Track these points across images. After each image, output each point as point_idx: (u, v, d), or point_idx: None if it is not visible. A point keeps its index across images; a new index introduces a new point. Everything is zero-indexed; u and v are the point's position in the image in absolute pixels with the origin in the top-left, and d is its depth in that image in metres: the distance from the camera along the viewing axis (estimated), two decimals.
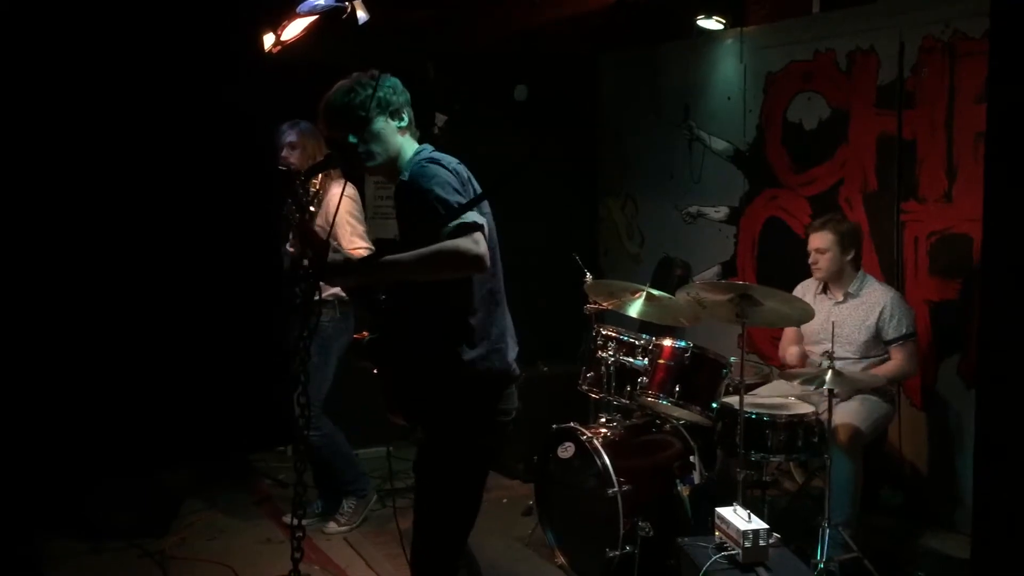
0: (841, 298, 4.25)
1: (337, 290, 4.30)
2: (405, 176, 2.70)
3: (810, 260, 4.27)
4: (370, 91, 2.68)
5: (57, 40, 4.58)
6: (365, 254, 3.73)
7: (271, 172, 4.51)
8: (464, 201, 2.55)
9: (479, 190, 2.71)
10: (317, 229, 4.19)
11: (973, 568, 2.10)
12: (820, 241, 4.22)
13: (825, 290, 4.33)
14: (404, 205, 2.77)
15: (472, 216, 2.50)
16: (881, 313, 4.13)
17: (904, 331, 4.13)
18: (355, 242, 4.24)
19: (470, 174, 2.75)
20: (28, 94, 4.58)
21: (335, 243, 2.69)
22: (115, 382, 4.95)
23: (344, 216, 4.27)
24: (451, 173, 2.64)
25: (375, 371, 2.81)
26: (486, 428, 2.78)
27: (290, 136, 4.34)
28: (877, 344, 4.16)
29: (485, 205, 2.73)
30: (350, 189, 4.36)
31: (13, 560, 4.16)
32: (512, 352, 2.81)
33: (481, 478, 2.85)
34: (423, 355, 2.72)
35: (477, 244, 2.48)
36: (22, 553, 4.22)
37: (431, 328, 2.70)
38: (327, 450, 4.52)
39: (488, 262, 2.52)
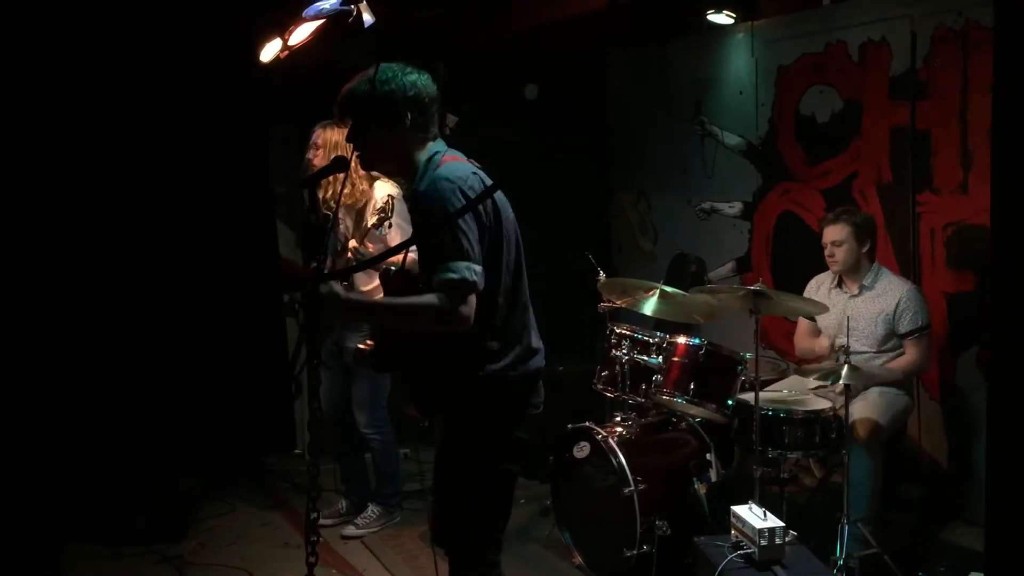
0: (856, 291, 4.22)
1: None
2: (421, 186, 2.64)
3: (826, 253, 4.24)
4: (389, 83, 2.62)
5: (50, 47, 4.58)
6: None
7: (267, 177, 4.52)
8: (473, 236, 2.52)
9: (496, 193, 2.68)
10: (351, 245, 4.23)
11: (988, 561, 2.07)
12: (836, 233, 4.18)
13: (840, 284, 4.29)
14: (414, 217, 2.75)
15: (470, 272, 2.48)
16: (897, 306, 4.10)
17: (919, 324, 4.09)
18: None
19: (484, 179, 2.69)
20: (20, 99, 4.58)
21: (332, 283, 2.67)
22: (131, 388, 4.97)
23: (394, 219, 4.26)
24: (462, 196, 2.56)
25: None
26: (513, 425, 2.76)
27: (313, 136, 4.33)
28: (893, 337, 4.13)
29: (506, 205, 2.71)
30: (395, 189, 4.33)
31: (31, 566, 4.20)
32: (537, 353, 2.80)
33: (510, 474, 2.83)
34: (447, 361, 2.68)
35: (467, 305, 2.48)
36: (40, 560, 4.26)
37: (450, 344, 2.64)
38: (380, 455, 4.57)
39: (471, 324, 2.51)
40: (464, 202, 2.54)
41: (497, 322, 2.67)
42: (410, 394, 2.84)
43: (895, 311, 4.10)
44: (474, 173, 2.67)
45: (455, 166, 2.65)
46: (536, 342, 2.81)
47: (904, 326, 4.09)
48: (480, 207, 2.58)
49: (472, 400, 2.70)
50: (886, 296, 4.14)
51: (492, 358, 2.67)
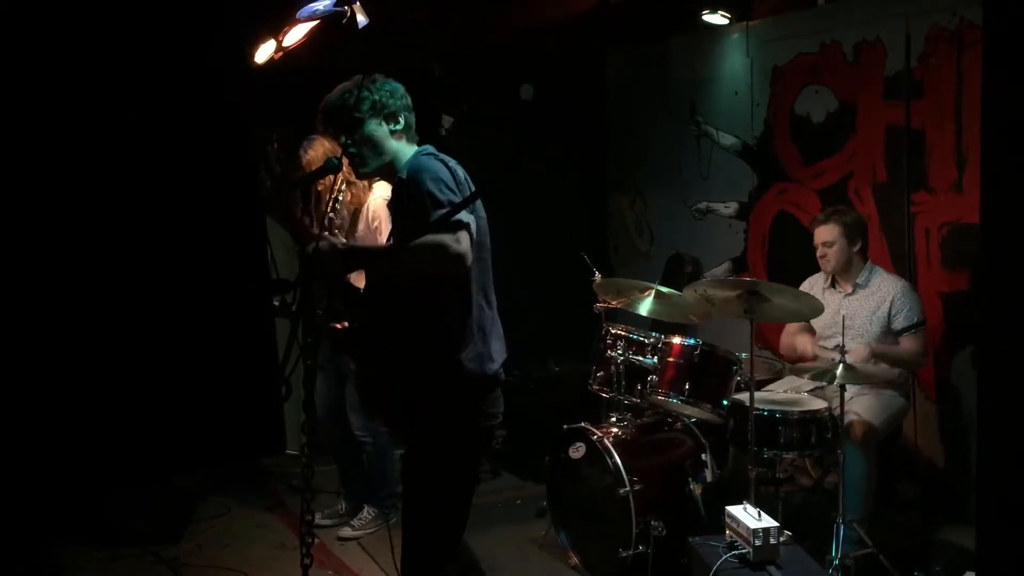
0: (850, 290, 4.22)
1: None
2: (403, 175, 2.70)
3: (818, 254, 4.24)
4: (365, 94, 2.69)
5: (43, 46, 4.56)
6: None
7: (260, 179, 4.52)
8: (456, 199, 2.56)
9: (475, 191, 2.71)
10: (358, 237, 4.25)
11: (979, 560, 2.08)
12: (827, 234, 4.19)
13: (834, 284, 4.29)
14: (399, 201, 2.77)
15: (460, 215, 2.50)
16: (892, 303, 4.10)
17: (914, 320, 4.09)
18: None
19: (468, 176, 2.74)
20: (16, 98, 4.57)
21: (326, 234, 2.70)
22: (126, 388, 4.96)
23: (385, 223, 4.27)
24: (447, 170, 2.65)
25: (352, 366, 2.82)
26: (470, 432, 2.77)
27: (302, 151, 4.34)
28: (888, 335, 4.13)
29: (479, 207, 2.73)
30: (387, 191, 4.33)
31: (29, 568, 4.19)
32: (499, 356, 2.80)
33: (468, 482, 2.86)
34: (407, 355, 2.72)
35: (459, 242, 2.48)
36: (38, 561, 4.25)
37: (416, 328, 2.70)
38: (372, 457, 4.57)
39: (469, 261, 2.53)
40: (447, 170, 2.63)
41: (460, 324, 2.68)
42: (375, 403, 2.86)
43: (890, 309, 4.10)
44: (458, 164, 2.73)
45: (439, 154, 2.76)
46: (499, 350, 2.81)
47: (899, 323, 4.09)
48: (454, 191, 2.60)
49: (434, 402, 2.72)
50: (880, 294, 4.15)
51: (453, 359, 2.67)
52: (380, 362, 2.79)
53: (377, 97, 2.72)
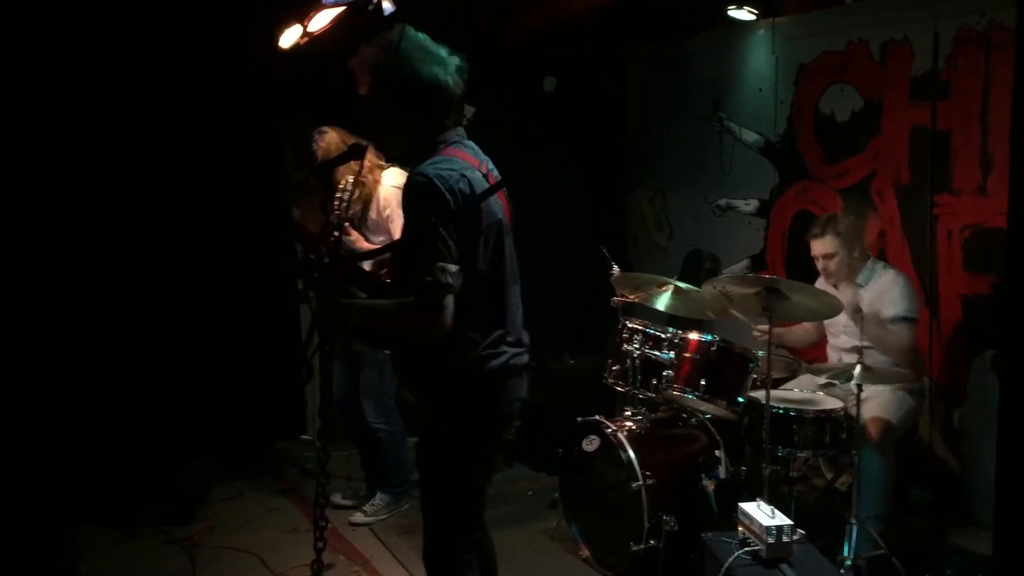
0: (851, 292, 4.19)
1: None
2: (416, 175, 2.57)
3: (819, 267, 4.21)
4: (422, 63, 2.58)
5: (64, 34, 4.58)
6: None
7: (276, 165, 4.52)
8: (446, 236, 2.47)
9: (488, 198, 2.63)
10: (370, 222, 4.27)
11: (996, 564, 2.06)
12: (825, 247, 4.15)
13: (836, 286, 4.27)
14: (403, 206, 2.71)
15: (444, 275, 2.45)
16: (884, 293, 4.09)
17: (899, 312, 4.05)
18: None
19: (475, 181, 2.60)
20: (27, 91, 4.60)
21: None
22: (141, 371, 4.99)
23: (396, 210, 4.29)
24: (440, 194, 2.50)
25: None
26: (489, 420, 2.76)
27: (314, 142, 4.36)
28: (879, 325, 4.08)
29: (495, 204, 2.68)
30: (399, 179, 4.36)
31: (46, 551, 4.22)
32: (519, 346, 2.79)
33: (484, 470, 2.85)
34: (426, 349, 2.69)
35: (442, 309, 2.48)
36: (55, 544, 4.28)
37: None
38: (387, 445, 4.60)
39: (448, 328, 2.51)
40: (443, 200, 2.49)
41: (477, 315, 2.65)
42: (404, 377, 2.86)
43: (882, 298, 4.08)
44: (463, 175, 2.57)
45: (445, 162, 2.58)
46: (519, 338, 2.80)
47: (887, 311, 4.05)
48: (456, 203, 2.51)
49: (450, 389, 2.72)
50: (879, 290, 4.13)
51: (470, 353, 2.66)
52: (399, 348, 2.80)
53: (427, 67, 2.63)
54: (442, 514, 2.80)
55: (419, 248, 2.49)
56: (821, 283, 4.34)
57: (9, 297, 4.51)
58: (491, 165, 2.77)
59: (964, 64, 4.46)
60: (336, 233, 4.05)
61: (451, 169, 2.56)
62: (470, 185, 2.57)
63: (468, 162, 2.64)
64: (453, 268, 2.48)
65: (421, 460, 2.90)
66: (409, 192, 2.58)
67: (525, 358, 2.82)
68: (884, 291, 4.12)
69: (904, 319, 4.05)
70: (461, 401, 2.72)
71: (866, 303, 4.10)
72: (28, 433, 4.50)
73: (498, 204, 2.72)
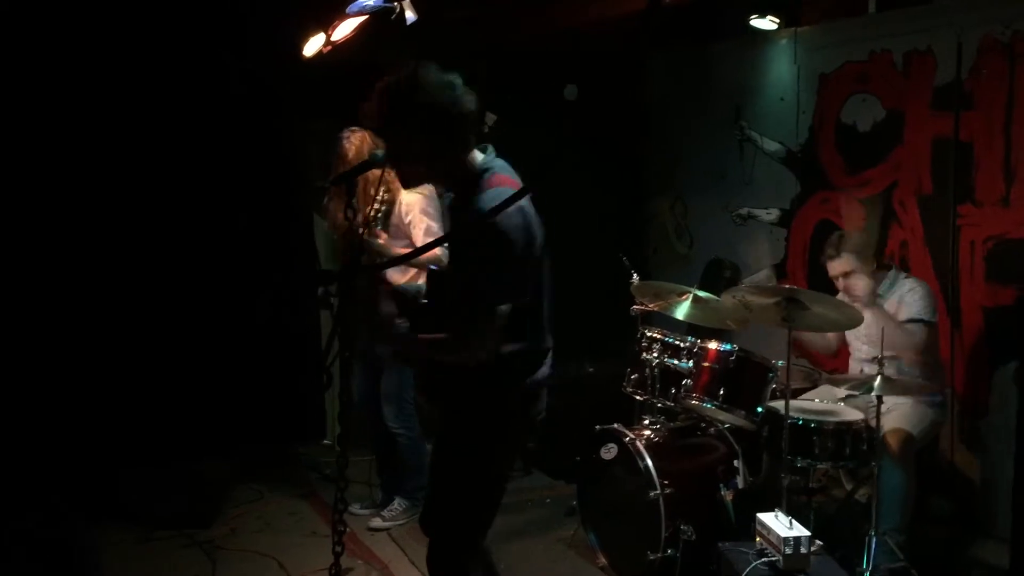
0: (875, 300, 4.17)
1: None
2: (484, 207, 2.53)
3: (840, 287, 4.16)
4: (434, 89, 2.58)
5: (93, 40, 4.63)
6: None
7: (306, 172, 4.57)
8: (523, 275, 2.57)
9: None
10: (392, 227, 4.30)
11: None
12: (842, 266, 4.10)
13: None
14: (465, 235, 2.73)
15: (501, 318, 2.53)
16: (902, 299, 4.09)
17: (915, 314, 4.04)
18: (426, 241, 4.23)
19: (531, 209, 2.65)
20: (70, 86, 4.65)
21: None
22: (160, 375, 5.04)
23: (417, 216, 4.31)
24: (534, 227, 2.60)
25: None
26: (519, 430, 2.80)
27: (342, 143, 4.37)
28: (897, 326, 4.07)
29: (539, 220, 2.70)
30: (424, 185, 4.38)
31: (69, 549, 4.26)
32: (547, 361, 2.81)
33: (506, 477, 2.88)
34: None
35: (488, 344, 2.56)
36: (79, 542, 4.32)
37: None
38: (406, 450, 4.61)
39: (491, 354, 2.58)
40: (532, 240, 2.58)
41: (519, 331, 2.67)
42: (430, 386, 2.88)
43: (900, 304, 4.08)
44: (528, 204, 2.62)
45: (508, 193, 2.53)
46: (547, 352, 2.83)
47: (903, 313, 4.05)
48: (536, 240, 2.61)
49: (487, 401, 2.73)
50: (897, 298, 4.13)
51: (510, 363, 2.68)
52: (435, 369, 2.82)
53: (441, 91, 2.63)
54: (461, 518, 2.81)
55: (485, 287, 2.54)
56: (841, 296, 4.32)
57: (38, 301, 4.58)
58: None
59: (988, 74, 4.44)
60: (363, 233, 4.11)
61: (529, 206, 2.62)
62: (533, 213, 2.64)
63: (514, 186, 2.62)
64: (507, 308, 2.54)
65: (443, 466, 2.89)
66: (501, 229, 2.51)
67: (550, 368, 2.85)
68: (902, 297, 4.11)
69: (919, 321, 4.04)
70: (496, 412, 2.74)
71: (886, 312, 4.08)
72: (52, 433, 4.57)
73: (540, 220, 2.72)
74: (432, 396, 2.89)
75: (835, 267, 4.15)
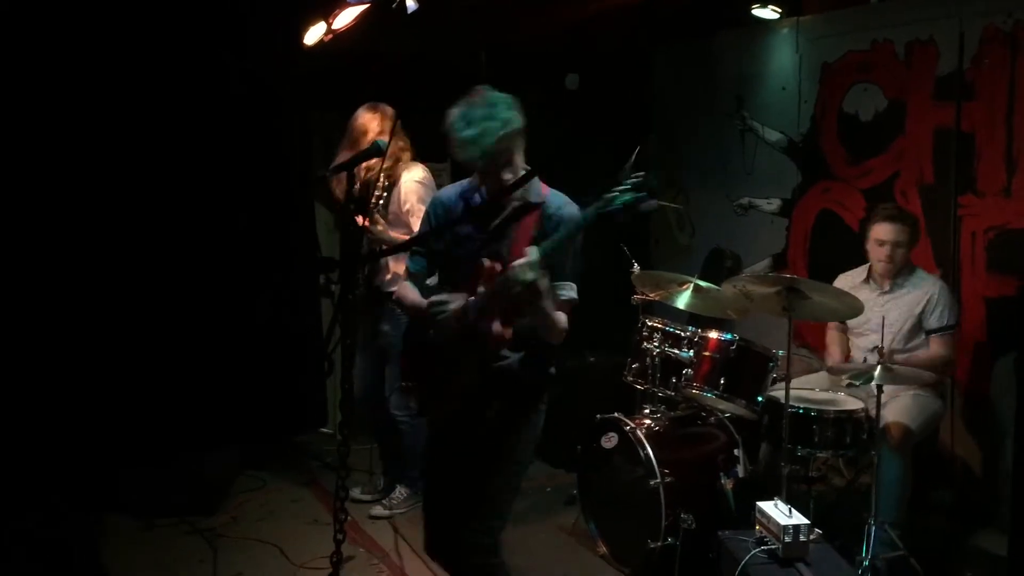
0: (887, 288, 4.18)
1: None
2: (555, 204, 2.96)
3: (878, 253, 4.16)
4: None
5: (95, 35, 4.62)
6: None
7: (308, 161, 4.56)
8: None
9: None
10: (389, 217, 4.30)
11: (1011, 568, 2.06)
12: (895, 234, 4.10)
13: (868, 279, 4.25)
14: (546, 226, 2.92)
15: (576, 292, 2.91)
16: (928, 302, 4.07)
17: (947, 322, 4.06)
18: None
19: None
20: (71, 79, 4.64)
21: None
22: (162, 365, 5.04)
23: (415, 205, 4.31)
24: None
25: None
26: (542, 415, 3.05)
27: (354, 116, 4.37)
28: (920, 334, 4.09)
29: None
30: (421, 174, 4.40)
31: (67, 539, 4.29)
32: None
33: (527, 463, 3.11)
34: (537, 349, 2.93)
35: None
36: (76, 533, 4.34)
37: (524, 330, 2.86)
38: (409, 437, 4.61)
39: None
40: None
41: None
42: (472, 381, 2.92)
43: (925, 306, 4.07)
44: None
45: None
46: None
47: (932, 323, 4.06)
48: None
49: (541, 388, 3.01)
50: (916, 293, 4.12)
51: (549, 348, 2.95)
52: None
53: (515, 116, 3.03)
54: (502, 500, 2.97)
55: (570, 267, 2.94)
56: (840, 282, 4.33)
57: (37, 301, 4.58)
58: None
59: (990, 64, 4.43)
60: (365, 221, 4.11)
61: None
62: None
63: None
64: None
65: (483, 451, 2.95)
66: (575, 220, 2.90)
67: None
68: (924, 297, 4.11)
69: (948, 328, 4.08)
70: (537, 396, 3.01)
71: (904, 306, 4.09)
72: (55, 425, 4.57)
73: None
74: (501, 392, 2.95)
75: (885, 230, 4.13)
